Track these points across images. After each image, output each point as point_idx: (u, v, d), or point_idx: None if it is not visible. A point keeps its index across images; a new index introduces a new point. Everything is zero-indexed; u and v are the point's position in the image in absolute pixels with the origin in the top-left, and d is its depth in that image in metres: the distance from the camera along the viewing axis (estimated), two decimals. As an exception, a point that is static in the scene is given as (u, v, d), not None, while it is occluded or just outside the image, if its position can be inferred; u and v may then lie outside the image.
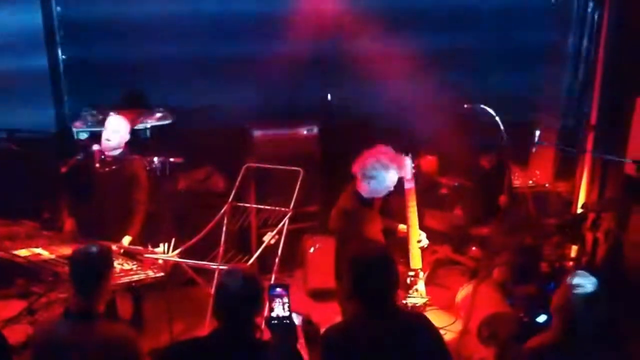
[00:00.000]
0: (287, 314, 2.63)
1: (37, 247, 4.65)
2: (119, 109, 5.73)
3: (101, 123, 5.36)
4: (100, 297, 3.18)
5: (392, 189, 4.32)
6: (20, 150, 5.12)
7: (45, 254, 4.57)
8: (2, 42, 5.81)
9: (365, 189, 4.26)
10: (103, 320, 3.14)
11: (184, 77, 6.31)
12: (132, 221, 4.94)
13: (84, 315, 3.10)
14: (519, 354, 3.06)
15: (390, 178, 4.24)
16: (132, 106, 6.18)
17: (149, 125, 6.07)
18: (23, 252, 4.56)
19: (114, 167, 4.99)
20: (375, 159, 4.21)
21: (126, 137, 5.04)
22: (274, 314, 2.63)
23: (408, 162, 4.33)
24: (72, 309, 3.15)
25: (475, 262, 5.25)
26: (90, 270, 3.16)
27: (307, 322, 2.75)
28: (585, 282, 2.90)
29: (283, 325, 2.62)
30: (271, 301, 2.67)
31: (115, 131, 4.96)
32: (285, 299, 2.64)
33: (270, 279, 5.17)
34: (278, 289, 2.68)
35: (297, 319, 2.73)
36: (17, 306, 5.26)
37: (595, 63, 6.30)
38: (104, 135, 4.97)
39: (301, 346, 2.74)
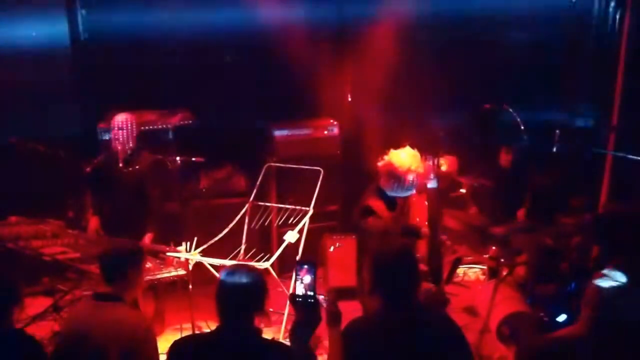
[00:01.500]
0: (311, 292, 2.60)
1: (62, 245, 4.74)
2: (141, 109, 5.81)
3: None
4: (126, 287, 3.28)
5: (414, 191, 4.38)
6: (45, 151, 5.20)
7: (70, 252, 4.66)
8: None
9: (389, 187, 4.32)
10: (121, 303, 3.23)
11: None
12: (150, 219, 5.03)
13: (108, 298, 3.21)
14: (545, 343, 3.03)
15: (413, 181, 4.30)
16: (153, 107, 6.25)
17: (170, 126, 6.13)
18: (49, 251, 4.65)
19: (136, 167, 5.06)
20: (400, 163, 4.27)
21: (133, 133, 5.07)
22: (298, 291, 2.60)
23: (430, 162, 4.36)
24: (99, 292, 3.30)
25: (495, 262, 5.24)
26: (117, 260, 3.28)
27: (332, 303, 2.77)
28: (615, 278, 2.88)
29: (307, 304, 2.60)
30: (297, 278, 2.63)
31: (120, 128, 5.01)
32: (311, 277, 2.60)
33: (290, 278, 5.21)
34: (305, 266, 2.63)
35: (322, 301, 2.72)
36: (43, 303, 5.34)
37: (617, 62, 6.25)
38: (112, 134, 5.04)
39: (323, 327, 2.74)
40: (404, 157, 4.32)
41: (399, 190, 4.34)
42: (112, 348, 3.03)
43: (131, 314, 3.25)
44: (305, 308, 2.61)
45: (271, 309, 5.07)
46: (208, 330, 2.95)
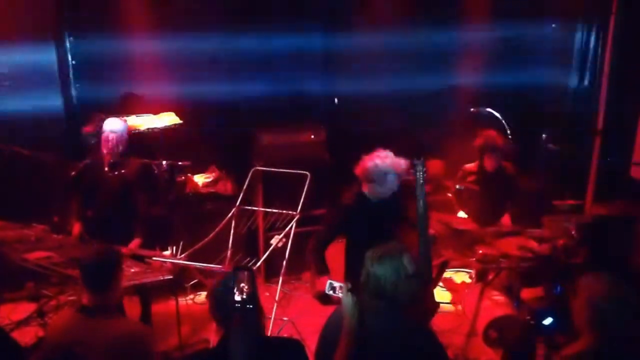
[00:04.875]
0: (249, 298, 2.55)
1: (46, 250, 4.69)
2: (126, 114, 5.78)
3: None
4: (112, 294, 3.22)
5: (395, 189, 4.36)
6: (30, 155, 5.16)
7: (55, 256, 4.62)
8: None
9: (370, 190, 4.33)
10: (118, 315, 3.18)
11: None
12: (137, 224, 5.00)
13: (99, 310, 3.13)
14: None
15: (390, 180, 4.30)
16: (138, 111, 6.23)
17: (156, 130, 6.10)
18: (33, 256, 4.61)
19: (122, 171, 5.03)
20: (374, 163, 4.28)
21: (125, 137, 5.04)
22: (237, 298, 2.55)
23: (420, 166, 4.34)
24: (86, 305, 3.18)
25: (482, 265, 5.26)
26: (101, 268, 3.19)
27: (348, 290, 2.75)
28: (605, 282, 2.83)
29: (245, 310, 2.54)
30: (236, 286, 2.57)
31: (113, 132, 4.97)
32: (249, 284, 2.56)
33: (277, 282, 5.21)
34: (241, 274, 2.58)
35: (338, 289, 2.69)
36: (27, 309, 5.30)
37: (602, 67, 6.33)
38: (102, 138, 5.01)
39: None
40: (378, 161, 4.32)
41: (378, 193, 4.34)
42: None
43: (131, 327, 3.18)
44: (244, 315, 2.54)
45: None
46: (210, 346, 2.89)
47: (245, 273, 2.58)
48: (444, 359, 2.90)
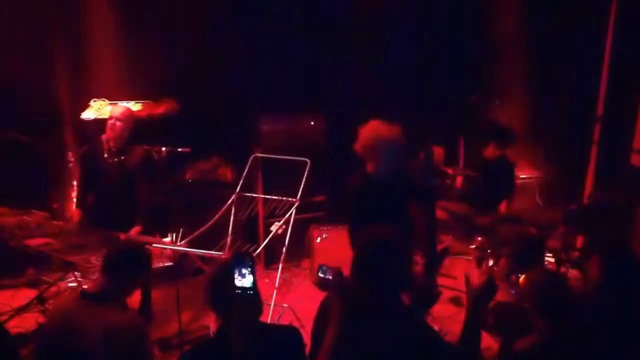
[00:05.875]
0: (250, 285, 2.57)
1: (46, 236, 4.70)
2: (126, 99, 5.77)
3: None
4: (127, 287, 3.24)
5: (398, 160, 4.29)
6: (29, 141, 5.16)
7: (55, 243, 4.63)
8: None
9: (373, 169, 4.29)
10: (116, 305, 3.16)
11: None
12: (138, 211, 5.00)
13: (98, 297, 3.13)
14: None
15: (389, 152, 4.26)
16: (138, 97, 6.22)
17: (156, 117, 6.09)
18: (33, 242, 4.62)
19: (122, 158, 5.02)
20: (374, 134, 4.23)
21: (130, 126, 5.03)
22: (237, 284, 2.56)
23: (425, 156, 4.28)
24: (88, 290, 3.20)
25: (481, 252, 5.27)
26: (128, 260, 3.21)
27: (339, 274, 2.76)
28: None
29: (246, 296, 2.57)
30: (237, 271, 2.59)
31: (120, 120, 4.96)
32: (249, 270, 2.57)
33: (277, 269, 5.22)
34: (243, 259, 2.60)
35: (329, 271, 2.70)
36: (27, 295, 5.31)
37: (603, 54, 6.30)
38: (108, 125, 4.99)
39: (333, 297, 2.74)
40: (376, 132, 4.27)
41: (383, 168, 4.28)
42: (105, 354, 2.98)
43: (126, 318, 3.16)
44: (244, 301, 2.56)
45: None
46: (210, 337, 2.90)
47: (246, 259, 2.59)
48: (440, 345, 2.89)
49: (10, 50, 5.74)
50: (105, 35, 6.11)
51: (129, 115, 5.03)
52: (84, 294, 3.18)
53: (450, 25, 7.01)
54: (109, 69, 6.14)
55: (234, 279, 2.55)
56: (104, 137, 5.00)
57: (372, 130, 4.27)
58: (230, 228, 5.26)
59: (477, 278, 2.82)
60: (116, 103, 5.14)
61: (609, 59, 6.14)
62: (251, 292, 2.57)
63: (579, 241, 6.39)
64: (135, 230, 4.86)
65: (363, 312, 2.74)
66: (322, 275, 2.84)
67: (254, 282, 2.57)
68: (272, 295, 4.99)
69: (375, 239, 2.87)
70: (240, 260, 2.58)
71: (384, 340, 2.69)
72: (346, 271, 2.82)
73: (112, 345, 3.00)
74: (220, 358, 2.65)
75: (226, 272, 2.63)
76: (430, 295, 4.38)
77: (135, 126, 5.14)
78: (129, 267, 3.20)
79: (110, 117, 4.99)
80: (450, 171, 6.20)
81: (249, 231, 6.01)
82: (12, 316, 4.72)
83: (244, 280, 2.56)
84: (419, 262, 4.36)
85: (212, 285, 2.77)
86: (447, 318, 5.18)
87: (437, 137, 6.41)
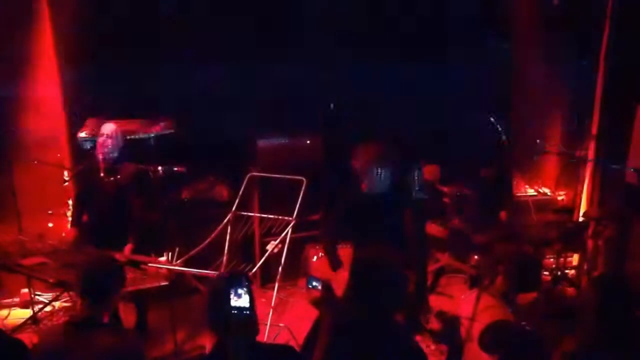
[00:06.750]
0: (247, 304, 2.59)
1: (41, 256, 4.68)
2: (122, 118, 5.77)
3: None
4: (107, 307, 3.19)
5: (389, 183, 4.33)
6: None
7: (50, 262, 4.60)
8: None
9: (366, 185, 4.32)
10: (107, 328, 3.14)
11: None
12: (131, 229, 4.98)
13: (88, 323, 3.09)
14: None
15: (380, 175, 4.29)
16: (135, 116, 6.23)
17: (152, 135, 6.10)
18: (28, 261, 4.59)
19: (118, 177, 5.02)
20: (368, 157, 4.27)
21: (119, 143, 5.03)
22: (234, 304, 2.58)
23: (415, 172, 4.33)
24: (76, 317, 3.15)
25: (477, 270, 5.26)
26: (101, 279, 3.16)
27: (326, 287, 2.76)
28: None
29: (242, 316, 2.58)
30: (233, 291, 2.61)
31: (109, 137, 4.96)
32: (246, 290, 2.60)
33: (273, 288, 5.20)
34: (239, 279, 2.63)
35: (318, 284, 2.70)
36: (21, 315, 5.28)
37: (597, 71, 6.34)
38: (98, 142, 4.99)
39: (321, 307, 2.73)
40: (370, 155, 4.31)
41: (374, 185, 4.31)
42: None
43: (117, 340, 3.11)
44: (241, 321, 2.58)
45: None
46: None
47: (242, 279, 2.59)
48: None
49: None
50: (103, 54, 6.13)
51: (118, 132, 5.03)
52: (73, 321, 3.13)
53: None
54: (107, 88, 6.17)
55: (229, 297, 2.54)
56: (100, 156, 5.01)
57: (367, 153, 4.30)
58: (226, 247, 5.26)
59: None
60: (113, 121, 5.12)
61: (603, 76, 6.19)
62: (247, 312, 2.56)
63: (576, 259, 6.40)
64: (128, 249, 4.85)
65: (354, 329, 2.74)
66: (310, 287, 2.85)
67: (252, 302, 2.57)
68: (268, 314, 4.97)
69: (371, 259, 2.88)
70: (236, 280, 2.58)
71: (374, 357, 2.69)
72: (340, 289, 2.83)
73: None
74: None
75: (224, 289, 2.62)
76: (419, 313, 4.36)
77: (127, 144, 5.15)
78: (99, 288, 3.14)
79: (100, 135, 5.00)
80: (446, 189, 6.20)
81: (245, 250, 6.00)
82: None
83: (240, 300, 2.56)
84: (410, 279, 4.37)
85: (210, 301, 2.74)
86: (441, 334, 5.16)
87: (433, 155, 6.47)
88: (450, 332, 3.28)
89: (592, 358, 2.85)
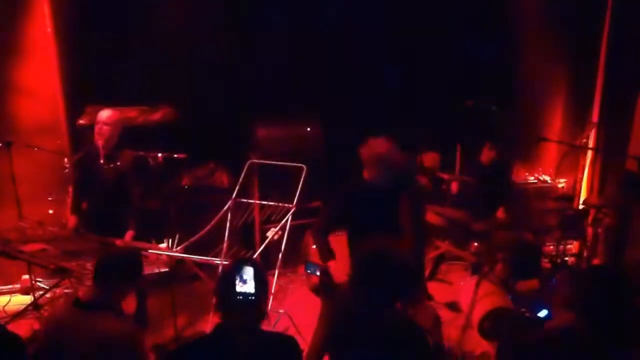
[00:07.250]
0: (252, 290, 2.61)
1: (41, 242, 4.69)
2: (122, 105, 5.75)
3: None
4: (117, 296, 3.22)
5: (391, 180, 4.34)
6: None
7: (50, 249, 4.61)
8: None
9: (369, 176, 4.32)
10: (109, 313, 3.15)
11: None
12: (131, 216, 4.98)
13: (91, 305, 3.12)
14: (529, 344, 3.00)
15: (385, 171, 4.29)
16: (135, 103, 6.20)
17: (152, 123, 6.08)
18: (28, 248, 4.60)
19: (118, 163, 5.01)
20: (371, 151, 4.27)
21: (117, 130, 5.00)
22: (238, 289, 2.60)
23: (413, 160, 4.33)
24: (81, 298, 3.19)
25: (477, 258, 5.27)
26: (118, 267, 3.19)
27: (325, 273, 2.78)
28: None
29: (247, 302, 2.60)
30: (238, 277, 2.64)
31: (106, 123, 4.94)
32: (251, 275, 2.62)
33: (273, 275, 5.21)
34: (246, 265, 2.65)
35: (316, 269, 2.72)
36: (22, 301, 5.29)
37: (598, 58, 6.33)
38: (96, 129, 4.97)
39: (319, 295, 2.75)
40: (380, 151, 4.31)
41: (377, 178, 4.31)
42: None
43: (119, 326, 3.13)
44: (245, 306, 2.63)
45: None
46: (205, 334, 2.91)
47: (248, 265, 2.60)
48: (425, 346, 2.91)
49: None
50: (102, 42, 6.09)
51: (115, 118, 5.00)
52: (77, 302, 3.18)
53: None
54: (107, 75, 6.14)
55: (236, 281, 2.56)
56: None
57: (372, 148, 4.31)
58: (227, 234, 5.26)
59: None
60: (111, 108, 5.09)
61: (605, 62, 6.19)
62: (252, 297, 2.58)
63: (575, 246, 6.42)
64: (129, 235, 4.85)
65: (355, 316, 2.76)
66: (309, 272, 2.87)
67: (260, 287, 2.62)
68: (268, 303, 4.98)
69: (373, 251, 2.90)
70: (244, 265, 2.60)
71: (376, 344, 2.71)
72: (341, 275, 2.85)
73: (106, 353, 2.99)
74: (215, 355, 2.67)
75: (237, 269, 2.66)
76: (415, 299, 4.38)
77: (125, 130, 5.12)
78: (120, 275, 3.19)
79: (98, 122, 4.97)
80: (446, 177, 6.20)
81: (245, 237, 6.00)
82: (7, 322, 4.70)
83: (245, 286, 2.58)
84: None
85: (220, 283, 2.77)
86: (442, 324, 5.17)
87: (433, 143, 6.46)
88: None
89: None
